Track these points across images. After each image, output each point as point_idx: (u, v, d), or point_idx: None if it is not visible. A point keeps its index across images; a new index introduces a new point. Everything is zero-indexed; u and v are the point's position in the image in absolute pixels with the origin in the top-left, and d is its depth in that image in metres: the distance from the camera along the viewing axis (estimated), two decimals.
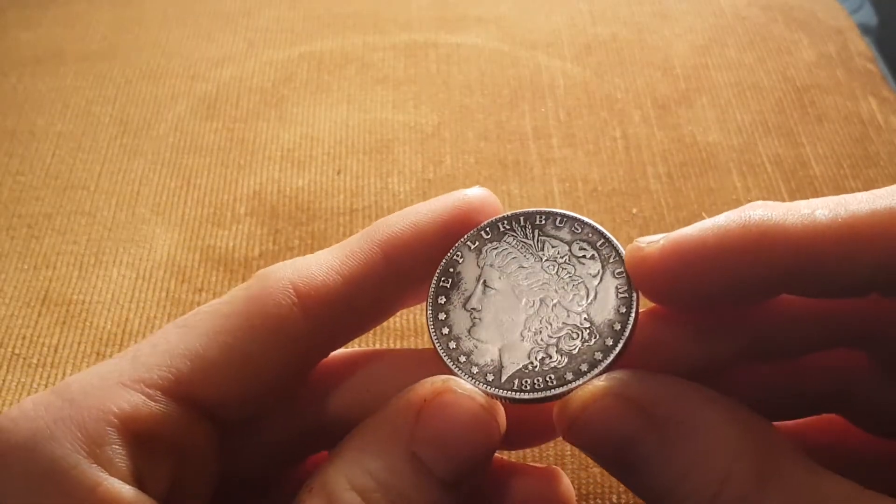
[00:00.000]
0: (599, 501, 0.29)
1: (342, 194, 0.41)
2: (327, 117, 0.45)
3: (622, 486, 0.29)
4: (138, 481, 0.18)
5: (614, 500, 0.29)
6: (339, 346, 0.22)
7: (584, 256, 0.22)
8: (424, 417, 0.19)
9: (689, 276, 0.19)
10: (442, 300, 0.22)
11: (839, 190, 0.40)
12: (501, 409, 0.20)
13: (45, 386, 0.33)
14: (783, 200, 0.40)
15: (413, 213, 0.22)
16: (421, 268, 0.22)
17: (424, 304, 0.22)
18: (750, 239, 0.18)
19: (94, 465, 0.18)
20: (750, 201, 0.41)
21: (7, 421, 0.19)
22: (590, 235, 0.22)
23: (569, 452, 0.30)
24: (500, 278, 0.22)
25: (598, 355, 0.20)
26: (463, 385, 0.19)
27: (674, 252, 0.19)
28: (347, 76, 0.48)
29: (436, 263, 0.22)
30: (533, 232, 0.22)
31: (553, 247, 0.22)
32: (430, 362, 0.22)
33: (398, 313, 0.36)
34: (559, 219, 0.22)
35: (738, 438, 0.18)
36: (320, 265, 0.21)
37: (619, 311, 0.21)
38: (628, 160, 0.42)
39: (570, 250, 0.22)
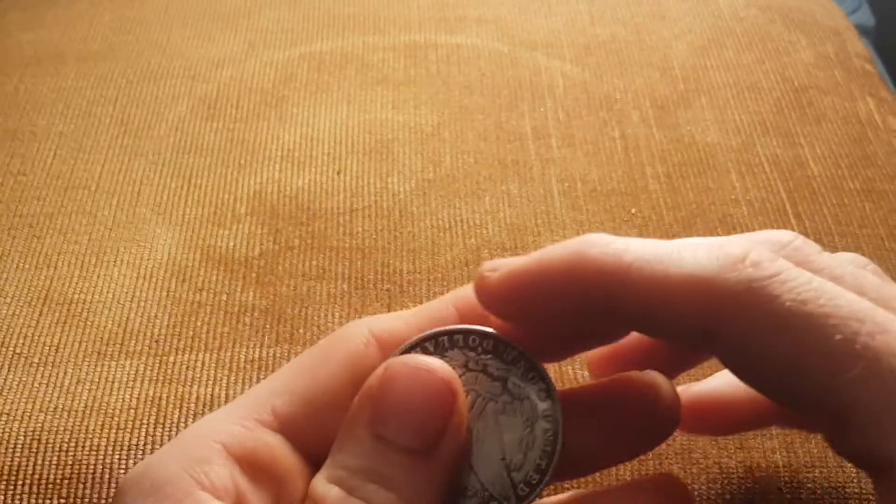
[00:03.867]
0: None
1: (342, 194, 0.41)
2: (327, 118, 0.45)
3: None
4: (236, 499, 0.20)
5: None
6: None
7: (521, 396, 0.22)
8: (377, 398, 0.20)
9: (520, 300, 0.21)
10: None
11: (837, 190, 0.40)
12: (452, 371, 0.21)
13: (47, 385, 0.33)
14: (781, 201, 0.40)
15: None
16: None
17: None
18: (568, 272, 0.20)
19: (190, 479, 0.19)
20: (748, 201, 0.42)
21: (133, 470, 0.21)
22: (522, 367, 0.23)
23: None
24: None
25: None
26: (411, 357, 0.21)
27: (507, 279, 0.21)
28: (347, 77, 0.48)
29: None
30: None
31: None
32: None
33: None
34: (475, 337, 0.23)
35: None
36: (396, 317, 0.24)
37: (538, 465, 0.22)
38: (627, 160, 0.42)
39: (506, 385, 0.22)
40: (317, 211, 0.40)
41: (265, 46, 0.51)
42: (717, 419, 0.26)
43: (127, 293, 0.37)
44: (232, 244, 0.39)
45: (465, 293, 0.23)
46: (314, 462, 0.22)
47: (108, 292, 0.37)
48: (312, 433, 0.22)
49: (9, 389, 0.33)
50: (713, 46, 0.49)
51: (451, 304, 0.24)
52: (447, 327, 0.23)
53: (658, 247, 0.20)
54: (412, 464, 0.20)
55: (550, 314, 0.21)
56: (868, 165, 0.42)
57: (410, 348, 0.23)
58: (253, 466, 0.20)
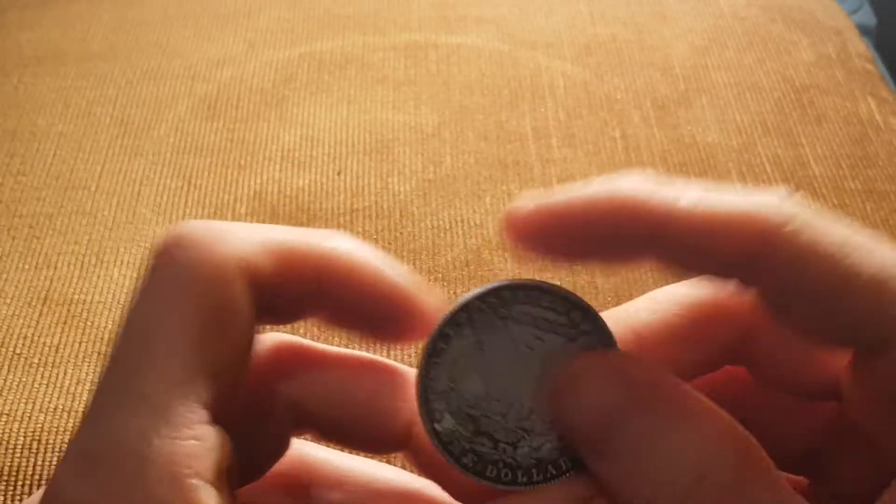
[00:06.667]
0: None
1: (342, 194, 0.41)
2: (327, 118, 0.45)
3: None
4: None
5: None
6: (275, 324, 0.22)
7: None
8: None
9: (552, 237, 0.20)
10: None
11: (838, 190, 0.40)
12: None
13: (47, 386, 0.33)
14: None
15: (367, 263, 0.21)
16: (347, 306, 0.22)
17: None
18: (612, 209, 0.19)
19: None
20: None
21: None
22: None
23: None
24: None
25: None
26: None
27: (540, 214, 0.20)
28: (347, 76, 0.48)
29: (361, 312, 0.22)
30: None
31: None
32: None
33: None
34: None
35: (724, 429, 0.18)
36: (266, 252, 0.20)
37: None
38: (628, 160, 0.42)
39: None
40: (317, 211, 0.40)
41: (265, 46, 0.51)
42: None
43: (127, 294, 0.37)
44: None
45: (332, 265, 0.21)
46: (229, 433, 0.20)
47: (108, 293, 0.37)
48: (229, 410, 0.19)
49: (9, 390, 0.33)
50: (714, 46, 0.49)
51: (313, 270, 0.21)
52: (485, 288, 0.21)
53: (697, 188, 0.20)
54: None
55: (579, 248, 0.21)
56: (869, 166, 0.42)
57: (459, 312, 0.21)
58: (216, 479, 0.18)
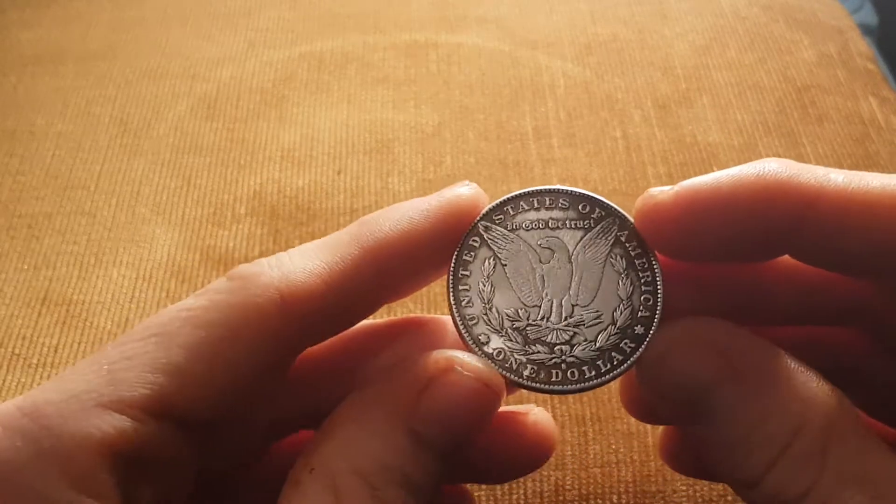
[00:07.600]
0: (600, 501, 0.29)
1: (342, 194, 0.41)
2: (327, 117, 0.45)
3: (622, 485, 0.29)
4: None
5: (614, 500, 0.29)
6: (317, 344, 0.22)
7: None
8: (427, 397, 0.19)
9: (701, 223, 0.19)
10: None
11: None
12: (501, 379, 0.19)
13: None
14: None
15: (404, 215, 0.21)
16: (408, 271, 0.21)
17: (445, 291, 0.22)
18: (762, 187, 0.18)
19: (88, 501, 0.17)
20: None
21: None
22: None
23: (569, 452, 0.30)
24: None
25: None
26: (466, 362, 0.19)
27: (687, 197, 0.19)
28: (347, 76, 0.48)
29: (425, 266, 0.22)
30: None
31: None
32: (418, 333, 0.22)
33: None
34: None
35: (812, 391, 0.18)
36: (307, 271, 0.20)
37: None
38: (629, 160, 0.42)
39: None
40: (317, 211, 0.40)
41: (265, 46, 0.50)
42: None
43: (126, 294, 0.36)
44: (231, 244, 0.39)
45: (382, 238, 0.20)
46: (199, 442, 0.20)
47: (107, 293, 0.37)
48: (202, 411, 0.19)
49: (7, 390, 0.33)
50: (715, 46, 0.49)
51: (367, 254, 0.20)
52: (515, 193, 0.21)
53: (846, 171, 0.19)
54: (435, 467, 0.19)
55: (727, 240, 0.19)
56: (871, 165, 0.41)
57: (486, 217, 0.21)
58: (138, 464, 0.18)
